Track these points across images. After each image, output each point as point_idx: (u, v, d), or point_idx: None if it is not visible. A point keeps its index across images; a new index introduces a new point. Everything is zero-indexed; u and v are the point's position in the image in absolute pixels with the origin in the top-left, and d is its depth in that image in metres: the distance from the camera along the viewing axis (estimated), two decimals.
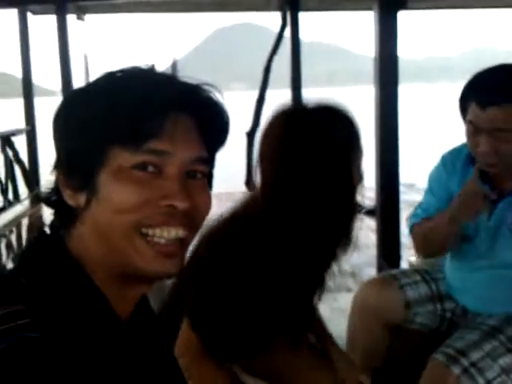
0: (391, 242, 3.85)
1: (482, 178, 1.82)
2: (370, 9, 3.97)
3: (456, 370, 1.73)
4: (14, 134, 6.78)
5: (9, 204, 6.36)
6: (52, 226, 0.88)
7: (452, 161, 2.05)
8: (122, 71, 0.84)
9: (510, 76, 1.80)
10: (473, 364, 1.74)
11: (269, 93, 9.20)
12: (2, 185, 6.29)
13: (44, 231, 0.87)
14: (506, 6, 8.57)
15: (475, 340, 1.81)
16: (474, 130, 1.79)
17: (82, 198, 0.82)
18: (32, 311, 0.74)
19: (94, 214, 0.81)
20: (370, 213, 6.26)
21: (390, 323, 2.12)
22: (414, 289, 2.10)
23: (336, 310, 3.86)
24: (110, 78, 0.84)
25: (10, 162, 6.52)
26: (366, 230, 5.84)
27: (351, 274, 4.50)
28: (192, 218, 0.84)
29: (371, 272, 4.26)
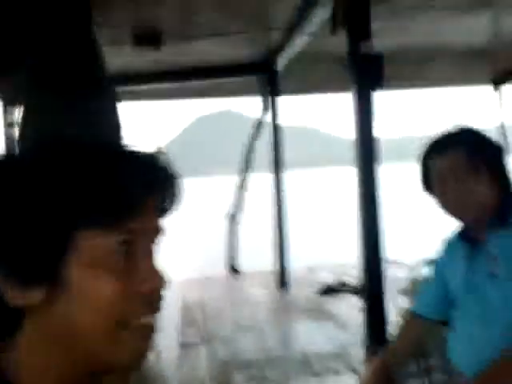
0: (377, 320, 3.79)
1: None
2: (347, 90, 4.05)
3: None
4: None
5: None
6: None
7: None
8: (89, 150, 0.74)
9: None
10: None
11: (252, 176, 9.30)
12: None
13: None
14: (479, 83, 9.00)
15: None
16: None
17: (37, 295, 0.69)
18: None
19: (62, 314, 0.70)
20: (356, 292, 6.24)
21: None
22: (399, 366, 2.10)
23: None
24: (72, 153, 0.72)
25: None
26: (351, 309, 5.77)
27: (337, 356, 4.40)
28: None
29: (359, 353, 4.17)
